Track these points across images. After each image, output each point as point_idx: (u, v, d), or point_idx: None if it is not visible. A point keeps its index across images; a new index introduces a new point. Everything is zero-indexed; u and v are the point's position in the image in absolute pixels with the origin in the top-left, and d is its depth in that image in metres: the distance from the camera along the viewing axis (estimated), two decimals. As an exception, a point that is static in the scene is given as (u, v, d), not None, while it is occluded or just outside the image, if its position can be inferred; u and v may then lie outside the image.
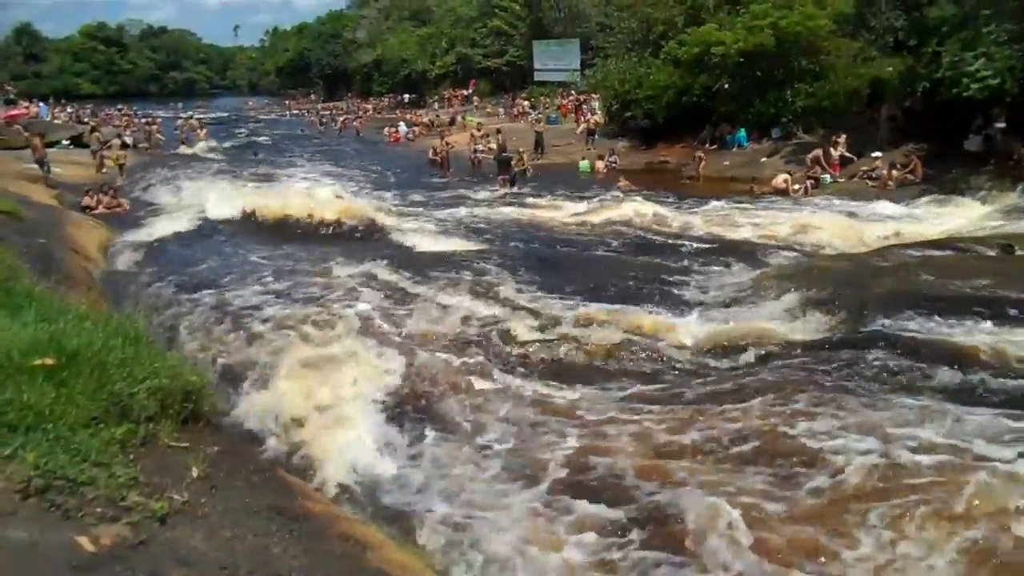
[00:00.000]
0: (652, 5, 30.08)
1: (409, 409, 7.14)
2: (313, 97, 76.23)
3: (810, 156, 20.56)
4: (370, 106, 59.22)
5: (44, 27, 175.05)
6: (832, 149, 20.46)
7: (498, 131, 29.61)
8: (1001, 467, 5.24)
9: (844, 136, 20.60)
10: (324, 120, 51.46)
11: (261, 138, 42.54)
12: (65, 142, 29.99)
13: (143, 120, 44.05)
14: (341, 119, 50.63)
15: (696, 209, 17.43)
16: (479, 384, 7.58)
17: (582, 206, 18.22)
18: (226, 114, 65.07)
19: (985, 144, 17.96)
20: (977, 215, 15.12)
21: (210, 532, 3.31)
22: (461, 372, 7.85)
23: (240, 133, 45.72)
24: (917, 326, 8.06)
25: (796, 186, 20.03)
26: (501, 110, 45.04)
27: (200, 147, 34.49)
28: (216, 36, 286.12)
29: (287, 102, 77.61)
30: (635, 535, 4.97)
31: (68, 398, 3.61)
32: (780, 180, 20.19)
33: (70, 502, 2.99)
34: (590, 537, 4.99)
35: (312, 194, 17.79)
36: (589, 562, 4.77)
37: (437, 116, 45.83)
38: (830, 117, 22.81)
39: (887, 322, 8.23)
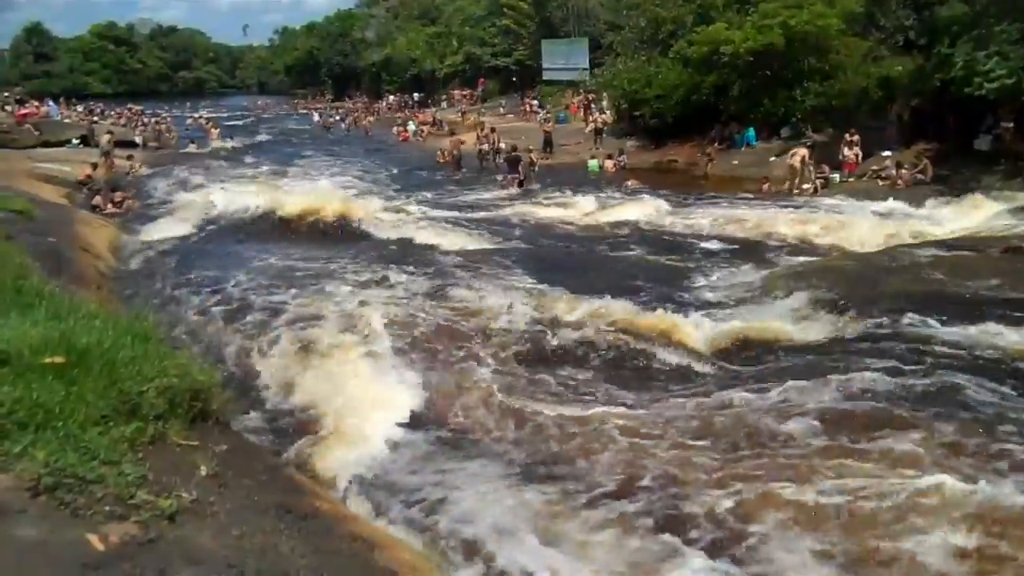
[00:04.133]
0: (661, 4, 29.98)
1: (419, 408, 7.14)
2: (328, 97, 75.96)
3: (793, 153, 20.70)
4: (381, 104, 59.09)
5: (56, 27, 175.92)
6: (846, 148, 20.38)
7: (492, 130, 29.62)
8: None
9: (858, 136, 20.48)
10: (331, 122, 51.05)
11: (266, 136, 42.54)
12: (75, 141, 30.12)
13: (153, 119, 44.15)
14: (349, 119, 50.59)
15: (705, 208, 17.39)
16: (489, 382, 7.57)
17: (591, 205, 18.18)
18: (235, 113, 65.18)
19: (995, 144, 17.88)
20: (987, 215, 15.03)
21: (219, 530, 3.31)
22: (470, 371, 7.86)
23: (249, 131, 45.75)
24: (927, 326, 8.02)
25: (806, 185, 19.97)
26: (502, 109, 44.97)
27: (210, 146, 34.59)
28: (226, 35, 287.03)
29: (295, 102, 77.65)
30: (651, 531, 4.97)
31: (78, 396, 3.61)
32: (797, 159, 20.10)
33: (79, 500, 2.99)
34: (602, 536, 5.00)
35: (320, 193, 17.80)
36: (599, 559, 4.77)
37: (438, 115, 45.94)
38: (840, 116, 22.71)
39: (896, 322, 8.20)
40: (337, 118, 52.89)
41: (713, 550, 4.78)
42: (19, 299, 5.22)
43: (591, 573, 4.65)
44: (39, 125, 30.98)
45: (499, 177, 23.57)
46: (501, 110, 44.14)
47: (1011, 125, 17.47)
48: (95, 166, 22.15)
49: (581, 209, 17.96)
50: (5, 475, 3.01)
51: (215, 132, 37.49)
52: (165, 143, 34.46)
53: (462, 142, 29.47)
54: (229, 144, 35.53)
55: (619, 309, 9.56)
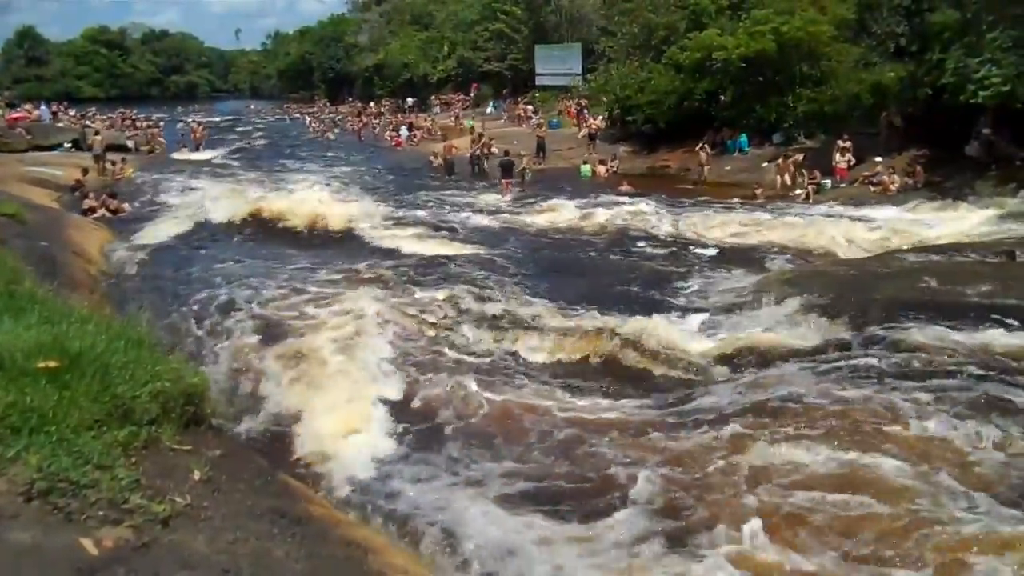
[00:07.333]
0: (653, 10, 30.12)
1: (411, 413, 7.15)
2: (322, 101, 75.66)
3: (790, 160, 21.18)
4: (373, 110, 58.91)
5: (48, 30, 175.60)
6: (838, 154, 20.48)
7: (480, 135, 29.65)
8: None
9: (850, 142, 20.56)
10: (321, 127, 50.58)
11: (257, 141, 42.48)
12: (67, 145, 30.04)
13: (145, 124, 43.99)
14: (338, 127, 50.49)
15: (697, 214, 17.43)
16: (481, 390, 7.57)
17: (583, 211, 18.20)
18: (227, 117, 65.01)
19: (986, 150, 17.96)
20: (979, 220, 15.11)
21: (212, 535, 3.31)
22: (463, 378, 7.85)
23: (240, 136, 45.65)
24: (918, 332, 8.05)
25: (798, 191, 20.06)
26: (505, 115, 44.92)
27: (200, 150, 34.51)
28: (220, 40, 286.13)
29: (288, 106, 77.51)
30: (645, 541, 4.98)
31: (71, 401, 3.61)
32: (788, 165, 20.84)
33: (73, 505, 2.99)
34: (594, 542, 5.00)
35: (310, 199, 17.75)
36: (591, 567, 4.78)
37: (434, 119, 45.97)
38: (831, 123, 22.81)
39: (888, 328, 8.23)
40: (328, 122, 52.78)
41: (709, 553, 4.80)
42: (12, 303, 5.20)
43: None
44: (31, 129, 30.86)
45: (487, 183, 23.61)
46: (505, 116, 44.04)
47: (989, 130, 17.59)
48: (86, 171, 22.07)
49: (572, 214, 17.96)
50: (-1, 480, 3.01)
51: (199, 133, 37.25)
52: (156, 148, 34.32)
53: (455, 147, 29.49)
54: (218, 151, 35.36)
55: (609, 313, 9.58)
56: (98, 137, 27.49)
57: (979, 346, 7.62)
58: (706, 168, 24.05)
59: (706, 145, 24.99)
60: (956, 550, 4.63)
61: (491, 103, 48.67)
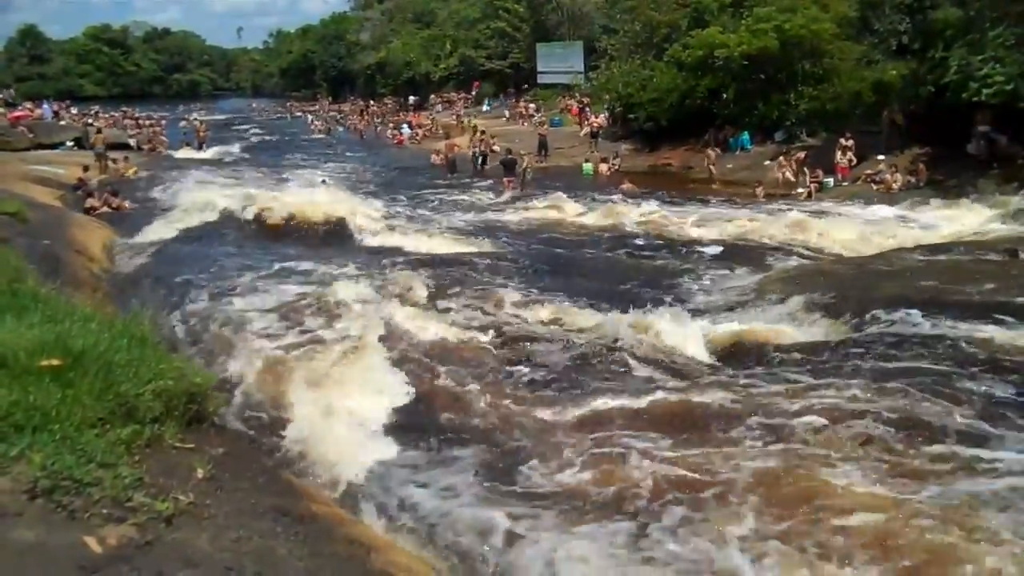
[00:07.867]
0: (655, 8, 30.09)
1: (413, 411, 7.14)
2: (327, 100, 75.59)
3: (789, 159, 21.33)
4: (375, 108, 58.88)
5: (50, 29, 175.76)
6: (840, 152, 20.46)
7: (482, 132, 29.67)
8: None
9: (852, 140, 20.54)
10: (322, 126, 50.53)
11: (259, 139, 42.50)
12: (69, 143, 30.06)
13: (147, 122, 44.00)
14: (339, 125, 50.53)
15: (699, 212, 17.42)
16: (481, 387, 7.57)
17: (584, 209, 18.20)
18: (229, 116, 65.04)
19: (988, 148, 17.93)
20: (981, 219, 15.11)
21: (216, 533, 3.31)
22: (464, 375, 7.85)
23: (242, 134, 45.67)
24: (921, 330, 8.05)
25: (800, 189, 20.05)
26: (507, 112, 44.88)
27: (204, 149, 34.51)
28: (222, 38, 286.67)
29: (290, 104, 77.49)
30: (646, 543, 4.98)
31: (74, 399, 3.61)
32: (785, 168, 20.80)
33: (76, 503, 3.00)
34: (592, 543, 5.00)
35: (312, 197, 17.72)
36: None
37: (435, 118, 46.03)
38: (833, 120, 22.79)
39: (891, 326, 8.23)
40: (330, 120, 52.82)
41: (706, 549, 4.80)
42: (15, 302, 5.20)
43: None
44: (33, 127, 30.88)
45: (489, 181, 23.61)
46: (507, 113, 43.98)
47: (987, 128, 17.55)
48: (86, 168, 22.05)
49: (574, 212, 17.96)
50: (2, 478, 3.02)
51: (202, 132, 37.21)
52: (158, 145, 34.33)
53: (456, 145, 29.51)
54: (221, 149, 35.32)
55: (611, 311, 9.58)
56: (100, 135, 27.44)
57: (982, 342, 7.61)
58: (714, 167, 24.05)
59: (714, 143, 25.02)
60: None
61: (487, 101, 48.88)
